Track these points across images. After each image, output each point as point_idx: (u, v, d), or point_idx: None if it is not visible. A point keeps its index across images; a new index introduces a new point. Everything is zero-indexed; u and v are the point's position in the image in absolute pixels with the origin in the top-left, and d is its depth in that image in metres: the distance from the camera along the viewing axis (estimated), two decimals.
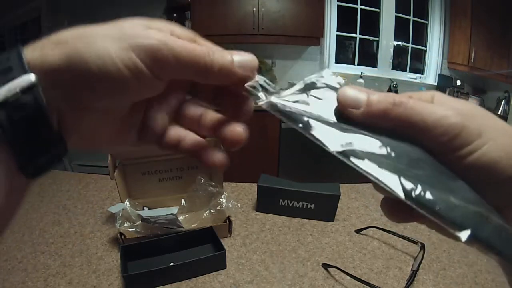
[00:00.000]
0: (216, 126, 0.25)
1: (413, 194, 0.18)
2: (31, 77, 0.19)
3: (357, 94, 0.20)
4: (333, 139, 0.19)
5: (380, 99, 0.20)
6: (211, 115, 0.25)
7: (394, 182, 0.18)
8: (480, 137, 0.19)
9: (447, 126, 0.19)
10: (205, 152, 0.25)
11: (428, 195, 0.18)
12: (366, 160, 0.19)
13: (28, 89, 0.19)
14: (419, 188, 0.18)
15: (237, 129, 0.24)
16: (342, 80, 0.22)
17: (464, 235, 0.17)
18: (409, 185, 0.18)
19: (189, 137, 0.26)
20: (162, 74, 0.21)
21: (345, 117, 0.21)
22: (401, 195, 0.18)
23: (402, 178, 0.18)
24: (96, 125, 0.23)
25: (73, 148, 0.22)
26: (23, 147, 0.19)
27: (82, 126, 0.22)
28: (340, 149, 0.19)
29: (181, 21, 2.68)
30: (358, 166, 0.19)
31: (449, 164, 0.20)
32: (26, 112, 0.19)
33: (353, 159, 0.19)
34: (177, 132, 0.26)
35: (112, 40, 0.19)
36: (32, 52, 0.20)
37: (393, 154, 0.19)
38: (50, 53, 0.20)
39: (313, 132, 0.20)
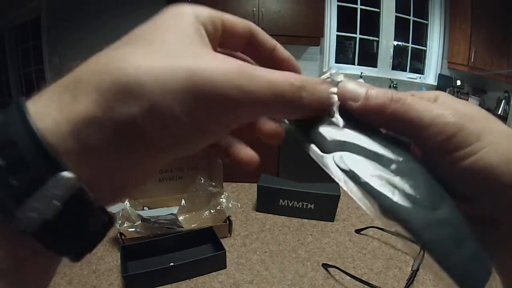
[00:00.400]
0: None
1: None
2: (68, 176, 0.14)
3: (356, 87, 0.20)
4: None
5: (378, 94, 0.19)
6: None
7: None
8: (479, 140, 0.18)
9: (443, 125, 0.18)
10: (233, 149, 0.22)
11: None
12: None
13: (73, 199, 0.14)
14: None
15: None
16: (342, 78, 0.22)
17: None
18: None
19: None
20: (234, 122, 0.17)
21: (344, 111, 0.20)
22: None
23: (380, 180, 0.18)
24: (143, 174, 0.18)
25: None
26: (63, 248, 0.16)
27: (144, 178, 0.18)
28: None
29: None
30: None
31: (445, 166, 0.19)
32: (71, 225, 0.15)
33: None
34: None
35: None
36: (49, 122, 0.14)
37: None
38: (87, 131, 0.14)
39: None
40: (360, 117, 0.20)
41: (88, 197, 0.15)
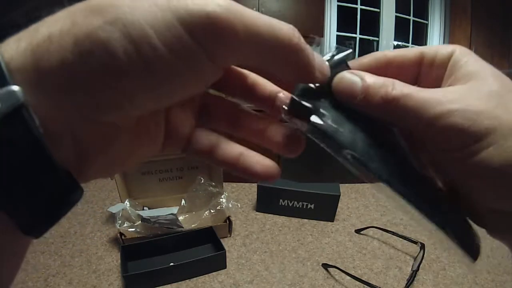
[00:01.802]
0: (262, 129, 0.20)
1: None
2: (14, 90, 0.12)
3: (351, 80, 0.18)
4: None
5: (376, 81, 0.18)
6: (250, 114, 0.21)
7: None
8: (484, 139, 0.16)
9: (449, 125, 0.16)
10: (244, 163, 0.20)
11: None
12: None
13: (12, 114, 0.12)
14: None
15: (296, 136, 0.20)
16: (348, 51, 0.20)
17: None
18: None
19: (223, 145, 0.20)
20: (224, 57, 0.15)
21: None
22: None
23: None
24: (126, 143, 0.17)
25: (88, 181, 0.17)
26: (18, 204, 0.13)
27: (109, 148, 0.16)
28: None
29: None
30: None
31: (448, 162, 0.18)
32: (13, 153, 0.12)
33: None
34: (208, 138, 0.20)
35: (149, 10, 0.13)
36: (15, 46, 0.13)
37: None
38: (45, 52, 0.13)
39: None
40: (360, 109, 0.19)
41: (37, 127, 0.13)
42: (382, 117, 0.18)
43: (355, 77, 0.18)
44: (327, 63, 0.18)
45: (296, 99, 0.19)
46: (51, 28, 0.13)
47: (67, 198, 0.14)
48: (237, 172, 0.20)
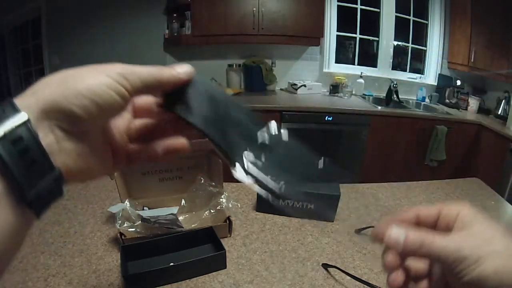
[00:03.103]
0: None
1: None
2: (22, 115, 0.22)
3: (399, 233, 0.29)
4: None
5: (414, 238, 0.28)
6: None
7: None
8: (477, 262, 0.25)
9: (462, 257, 0.26)
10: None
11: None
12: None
13: (22, 124, 0.22)
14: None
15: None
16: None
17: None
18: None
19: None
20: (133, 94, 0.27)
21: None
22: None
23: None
24: (89, 151, 0.27)
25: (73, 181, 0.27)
26: (22, 175, 0.22)
27: (79, 151, 0.26)
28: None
29: (181, 21, 2.68)
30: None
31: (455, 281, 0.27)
32: (23, 143, 0.22)
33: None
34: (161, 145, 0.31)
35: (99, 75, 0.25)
36: (28, 96, 0.24)
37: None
38: (40, 96, 0.24)
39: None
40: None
41: (34, 131, 0.22)
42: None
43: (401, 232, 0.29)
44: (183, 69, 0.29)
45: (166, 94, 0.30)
46: (42, 87, 0.25)
47: (50, 173, 0.24)
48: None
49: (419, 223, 0.31)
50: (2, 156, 0.21)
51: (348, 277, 0.71)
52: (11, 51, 3.06)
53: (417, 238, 0.28)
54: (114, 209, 0.82)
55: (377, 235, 0.30)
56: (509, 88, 2.54)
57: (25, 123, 0.22)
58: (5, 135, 0.21)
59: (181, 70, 0.29)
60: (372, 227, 0.88)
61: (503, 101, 2.58)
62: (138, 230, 0.78)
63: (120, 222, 0.78)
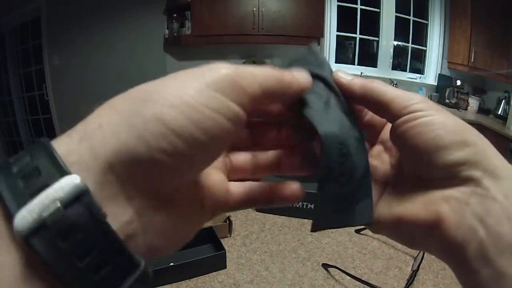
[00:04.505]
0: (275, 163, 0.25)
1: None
2: (74, 179, 0.13)
3: (346, 74, 0.24)
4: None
5: (360, 79, 0.23)
6: (265, 154, 0.25)
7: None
8: (429, 114, 0.21)
9: (405, 97, 0.21)
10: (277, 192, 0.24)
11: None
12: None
13: (75, 199, 0.13)
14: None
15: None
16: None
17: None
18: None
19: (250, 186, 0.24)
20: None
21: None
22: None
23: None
24: (180, 216, 0.18)
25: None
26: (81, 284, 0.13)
27: (166, 222, 0.17)
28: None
29: (181, 21, 2.69)
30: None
31: (405, 134, 0.21)
32: (77, 234, 0.13)
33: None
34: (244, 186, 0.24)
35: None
36: (73, 141, 0.14)
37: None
38: (100, 139, 0.14)
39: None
40: (345, 92, 0.23)
41: (99, 211, 0.13)
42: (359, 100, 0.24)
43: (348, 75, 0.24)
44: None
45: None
46: (98, 119, 0.15)
47: (128, 276, 0.14)
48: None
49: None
50: (46, 259, 0.12)
51: (348, 277, 0.71)
52: (11, 51, 3.06)
53: (363, 79, 0.23)
54: None
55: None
56: (509, 88, 2.54)
57: (82, 195, 0.13)
58: (46, 224, 0.12)
59: (301, 75, 0.21)
60: None
61: (503, 101, 2.58)
62: None
63: None
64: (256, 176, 0.25)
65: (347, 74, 0.24)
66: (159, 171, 0.15)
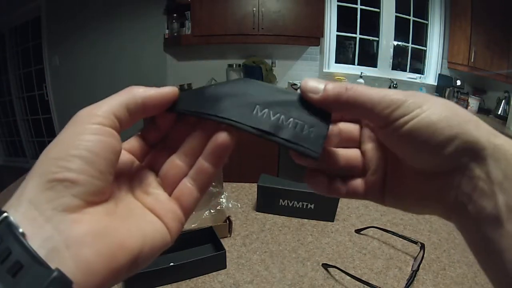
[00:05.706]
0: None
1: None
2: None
3: (316, 83, 0.24)
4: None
5: (335, 85, 0.23)
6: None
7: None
8: (421, 107, 0.21)
9: (389, 101, 0.22)
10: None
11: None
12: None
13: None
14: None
15: None
16: None
17: None
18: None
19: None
20: None
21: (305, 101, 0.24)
22: None
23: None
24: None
25: None
26: None
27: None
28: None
29: (181, 21, 2.69)
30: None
31: (394, 131, 0.22)
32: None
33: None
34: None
35: None
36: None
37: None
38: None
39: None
40: (320, 106, 0.24)
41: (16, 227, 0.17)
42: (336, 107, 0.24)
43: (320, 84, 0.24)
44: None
45: None
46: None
47: None
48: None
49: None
50: None
51: (348, 277, 0.71)
52: (11, 51, 3.05)
53: (338, 84, 0.23)
54: None
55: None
56: (509, 88, 2.54)
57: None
58: None
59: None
60: (373, 227, 0.88)
61: (503, 101, 2.57)
62: None
63: None
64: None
65: (318, 82, 0.24)
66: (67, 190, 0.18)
